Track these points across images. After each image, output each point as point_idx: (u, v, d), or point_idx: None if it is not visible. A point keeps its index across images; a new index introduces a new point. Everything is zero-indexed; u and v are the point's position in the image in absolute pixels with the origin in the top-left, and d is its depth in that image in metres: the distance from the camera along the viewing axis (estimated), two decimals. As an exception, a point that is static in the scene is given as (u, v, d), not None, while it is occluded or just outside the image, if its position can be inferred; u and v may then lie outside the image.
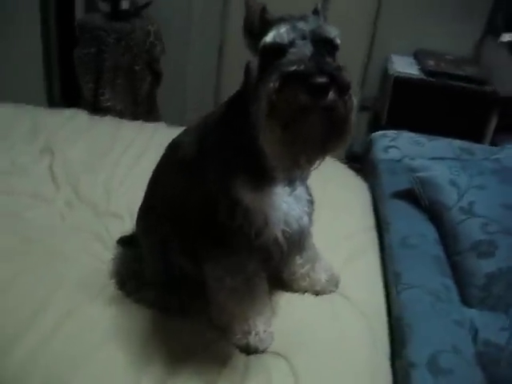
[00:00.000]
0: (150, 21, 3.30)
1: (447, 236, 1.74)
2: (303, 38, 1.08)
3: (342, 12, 3.20)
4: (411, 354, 1.31)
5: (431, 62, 3.22)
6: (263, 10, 1.16)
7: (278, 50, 1.08)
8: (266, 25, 1.13)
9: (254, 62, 1.15)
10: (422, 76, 3.16)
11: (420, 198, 1.81)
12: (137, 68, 3.29)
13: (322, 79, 1.00)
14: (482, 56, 3.38)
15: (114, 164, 2.00)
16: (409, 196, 1.88)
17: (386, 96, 3.27)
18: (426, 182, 1.79)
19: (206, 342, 1.36)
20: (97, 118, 2.35)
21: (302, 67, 1.01)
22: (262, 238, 1.29)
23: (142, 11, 3.33)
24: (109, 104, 3.29)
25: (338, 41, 1.13)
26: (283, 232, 1.32)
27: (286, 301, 1.50)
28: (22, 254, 1.53)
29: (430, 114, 3.10)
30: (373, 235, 1.83)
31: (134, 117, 3.08)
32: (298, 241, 1.42)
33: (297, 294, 1.53)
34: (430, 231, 1.75)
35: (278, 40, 1.08)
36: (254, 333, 1.36)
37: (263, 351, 1.36)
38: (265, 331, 1.37)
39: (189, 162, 1.35)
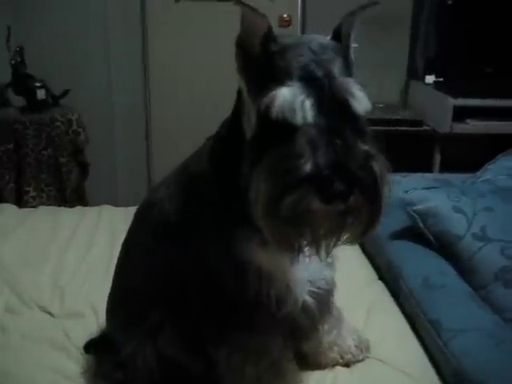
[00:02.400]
0: (69, 109, 2.96)
1: (465, 269, 1.46)
2: (320, 105, 0.75)
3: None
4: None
5: (364, 112, 3.10)
6: (269, 32, 0.82)
7: (284, 124, 0.75)
8: (269, 57, 0.81)
9: (253, 115, 0.82)
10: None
11: (424, 233, 1.54)
12: (62, 160, 2.91)
13: (340, 187, 0.71)
14: (410, 100, 3.31)
15: (59, 256, 1.58)
16: (408, 234, 1.60)
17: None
18: (428, 214, 1.52)
19: None
20: (28, 209, 1.93)
21: (314, 169, 0.71)
22: (285, 307, 0.95)
23: (59, 100, 3.00)
24: (34, 203, 2.86)
25: (369, 108, 0.79)
26: (311, 294, 0.99)
27: (317, 381, 1.13)
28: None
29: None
30: (381, 286, 1.52)
31: (64, 212, 2.66)
32: (327, 302, 1.09)
33: (327, 370, 1.17)
34: (446, 267, 1.46)
35: (285, 116, 0.75)
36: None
37: None
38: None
39: (171, 223, 1.01)
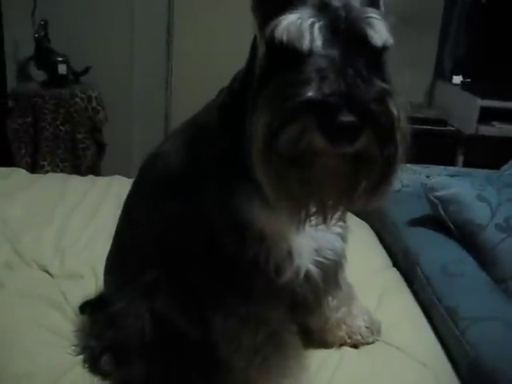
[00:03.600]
0: (90, 86, 2.92)
1: (486, 260, 1.37)
2: (332, 33, 0.66)
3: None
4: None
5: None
6: None
7: (291, 51, 0.67)
8: None
9: (261, 46, 0.74)
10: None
11: (444, 221, 1.45)
12: (79, 137, 2.87)
13: (348, 118, 0.61)
14: (436, 99, 3.22)
15: (64, 219, 1.52)
16: (427, 221, 1.51)
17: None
18: (451, 201, 1.43)
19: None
20: (38, 174, 1.88)
21: (319, 94, 0.61)
22: (285, 275, 0.87)
23: (80, 77, 2.96)
24: (49, 178, 2.82)
25: (389, 42, 0.70)
26: (316, 264, 0.91)
27: (321, 360, 1.05)
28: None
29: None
30: (395, 273, 1.44)
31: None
32: (334, 275, 1.01)
33: (333, 350, 1.09)
34: (466, 256, 1.37)
35: (291, 39, 0.66)
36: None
37: None
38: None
39: (175, 176, 0.94)
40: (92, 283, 1.25)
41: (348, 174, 0.67)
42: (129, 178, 2.89)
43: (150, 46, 3.11)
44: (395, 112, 0.65)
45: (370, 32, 0.67)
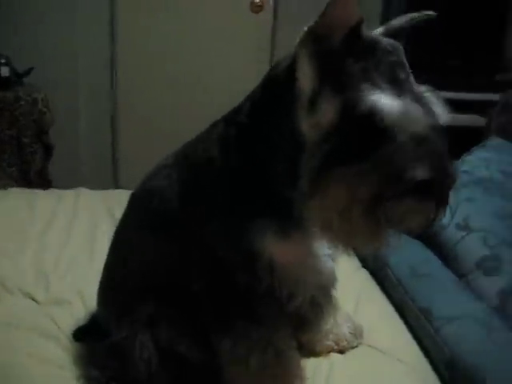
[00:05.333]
0: (35, 88, 2.83)
1: (448, 258, 1.48)
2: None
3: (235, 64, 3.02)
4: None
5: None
6: (358, 26, 0.76)
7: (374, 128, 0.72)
8: (357, 54, 0.75)
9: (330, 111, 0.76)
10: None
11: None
12: (25, 140, 2.79)
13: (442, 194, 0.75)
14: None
15: (39, 241, 1.50)
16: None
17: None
18: (413, 204, 1.53)
19: None
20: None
21: (425, 175, 0.71)
22: (296, 301, 0.94)
23: (23, 78, 2.86)
24: (-3, 183, 2.73)
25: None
26: (318, 287, 0.98)
27: (313, 369, 1.12)
28: None
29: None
30: (365, 274, 1.53)
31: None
32: (329, 293, 1.08)
33: (321, 358, 1.16)
34: (430, 256, 1.48)
35: (402, 124, 0.72)
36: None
37: None
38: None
39: (174, 212, 0.97)
40: (81, 308, 1.25)
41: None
42: (78, 182, 2.85)
43: (93, 45, 3.04)
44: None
45: (440, 113, 0.77)
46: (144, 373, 0.97)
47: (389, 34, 0.84)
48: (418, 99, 0.75)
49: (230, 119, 0.93)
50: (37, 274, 1.37)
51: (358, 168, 0.72)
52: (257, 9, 3.07)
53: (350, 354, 1.18)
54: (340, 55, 0.75)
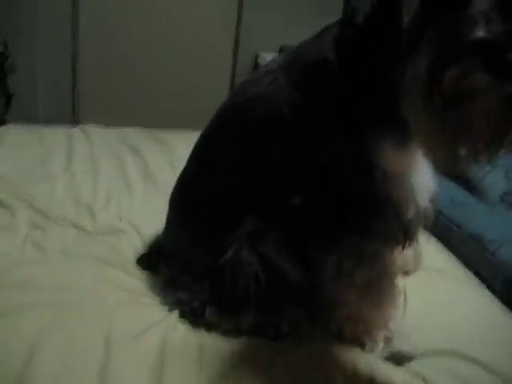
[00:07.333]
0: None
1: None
2: None
3: (204, 14, 2.92)
4: None
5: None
6: None
7: None
8: None
9: None
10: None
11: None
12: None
13: None
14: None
15: (65, 174, 1.37)
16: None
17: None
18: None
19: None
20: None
21: (488, 33, 0.62)
22: (410, 212, 0.92)
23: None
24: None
25: None
26: (430, 201, 0.97)
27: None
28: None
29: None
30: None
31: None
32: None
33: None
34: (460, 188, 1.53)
35: None
36: (399, 337, 0.97)
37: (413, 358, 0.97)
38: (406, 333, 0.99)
39: (285, 117, 0.90)
40: (135, 237, 1.17)
41: (505, 117, 0.68)
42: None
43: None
44: None
45: None
46: (251, 290, 0.92)
47: None
48: None
49: (346, 22, 0.89)
50: (76, 204, 1.25)
51: (425, 38, 0.66)
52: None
53: (415, 276, 1.19)
54: None
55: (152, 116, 2.63)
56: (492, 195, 1.52)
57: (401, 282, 1.15)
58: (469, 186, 1.55)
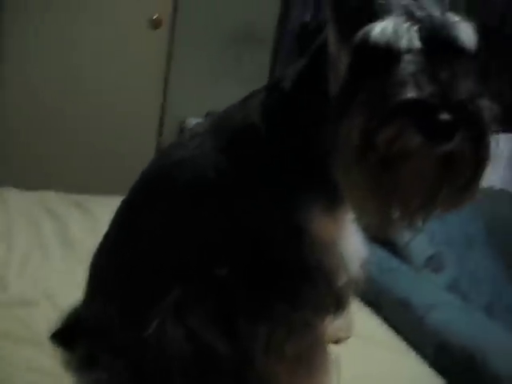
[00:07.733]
0: None
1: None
2: (425, 37, 0.68)
3: (131, 79, 2.92)
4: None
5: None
6: None
7: (384, 55, 0.68)
8: (368, 4, 0.72)
9: (346, 55, 0.73)
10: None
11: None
12: None
13: (445, 116, 0.63)
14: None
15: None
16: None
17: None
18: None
19: None
20: None
21: (418, 94, 0.64)
22: (341, 280, 0.90)
23: None
24: None
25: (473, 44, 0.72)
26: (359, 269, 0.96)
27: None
28: None
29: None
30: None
31: None
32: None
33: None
34: (385, 253, 1.55)
35: (388, 40, 0.67)
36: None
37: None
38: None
39: (211, 183, 0.88)
40: (50, 309, 1.07)
41: (438, 177, 0.70)
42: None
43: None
44: (487, 113, 0.68)
45: (462, 36, 0.70)
46: (179, 365, 0.85)
47: None
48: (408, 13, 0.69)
49: (273, 87, 0.89)
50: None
51: (356, 101, 0.68)
52: (156, 24, 2.99)
53: (344, 346, 1.16)
54: (352, 3, 0.73)
55: (73, 180, 2.54)
56: (417, 259, 1.55)
57: (333, 350, 1.12)
58: (395, 250, 1.57)
